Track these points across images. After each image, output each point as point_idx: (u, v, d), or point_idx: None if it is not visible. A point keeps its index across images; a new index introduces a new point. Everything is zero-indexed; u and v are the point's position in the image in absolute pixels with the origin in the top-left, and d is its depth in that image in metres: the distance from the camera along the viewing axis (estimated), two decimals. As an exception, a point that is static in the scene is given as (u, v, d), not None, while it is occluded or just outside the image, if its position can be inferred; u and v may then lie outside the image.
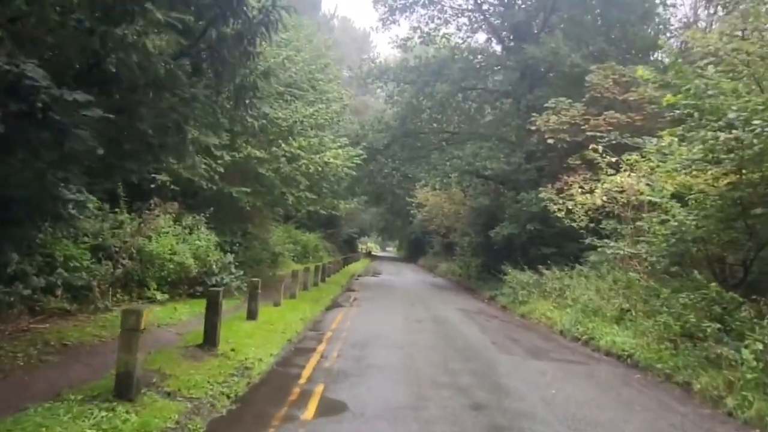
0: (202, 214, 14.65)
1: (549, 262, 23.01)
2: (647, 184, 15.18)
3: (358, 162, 19.43)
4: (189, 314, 11.51)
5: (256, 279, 11.70)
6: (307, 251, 34.31)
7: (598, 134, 18.46)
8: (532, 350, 11.53)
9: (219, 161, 14.65)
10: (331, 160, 16.64)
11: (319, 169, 16.37)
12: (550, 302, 17.94)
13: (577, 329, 13.76)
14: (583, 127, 20.97)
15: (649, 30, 25.16)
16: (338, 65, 24.87)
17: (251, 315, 11.33)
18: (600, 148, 16.90)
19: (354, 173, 19.08)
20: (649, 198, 13.87)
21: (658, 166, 14.97)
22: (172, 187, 14.25)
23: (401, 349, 10.52)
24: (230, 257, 15.02)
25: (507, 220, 24.42)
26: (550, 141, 21.44)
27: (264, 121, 15.56)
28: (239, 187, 15.82)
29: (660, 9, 25.81)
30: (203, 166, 14.23)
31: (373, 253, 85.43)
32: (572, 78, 24.67)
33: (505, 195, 25.27)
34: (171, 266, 12.32)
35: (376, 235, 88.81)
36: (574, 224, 17.75)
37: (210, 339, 8.59)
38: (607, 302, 14.41)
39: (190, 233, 14.34)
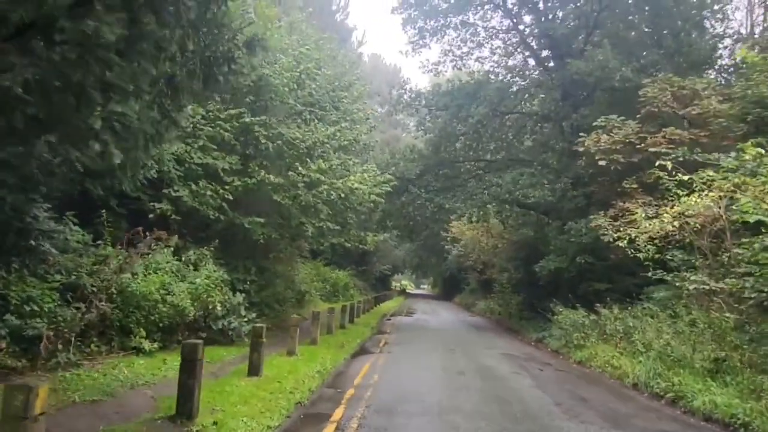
0: (206, 248, 12.56)
1: (602, 299, 20.34)
2: (732, 206, 12.58)
3: (388, 189, 17.24)
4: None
5: (260, 326, 9.43)
6: (336, 289, 32.08)
7: (662, 151, 15.90)
8: (609, 416, 8.86)
9: (227, 187, 12.65)
10: (357, 185, 14.48)
11: (342, 195, 14.21)
12: (613, 347, 15.16)
13: (658, 384, 11.02)
14: (638, 147, 18.51)
15: (703, 43, 22.68)
16: (369, 99, 22.93)
17: (253, 370, 9.02)
18: (669, 164, 14.32)
19: (383, 201, 16.86)
20: (743, 219, 11.21)
21: (744, 182, 12.39)
22: (173, 217, 12.25)
23: (440, 417, 8.02)
24: (239, 297, 12.86)
25: (552, 253, 21.74)
26: (602, 163, 18.94)
27: (279, 143, 13.61)
28: (253, 217, 13.77)
29: (713, 21, 23.37)
30: (208, 192, 12.22)
31: (407, 290, 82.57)
32: (622, 94, 22.26)
33: (549, 226, 22.64)
34: (163, 309, 10.18)
35: (410, 272, 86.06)
36: (640, 255, 15.07)
37: (184, 408, 6.33)
38: (692, 349, 11.63)
39: (195, 269, 12.27)
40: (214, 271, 12.51)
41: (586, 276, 21.58)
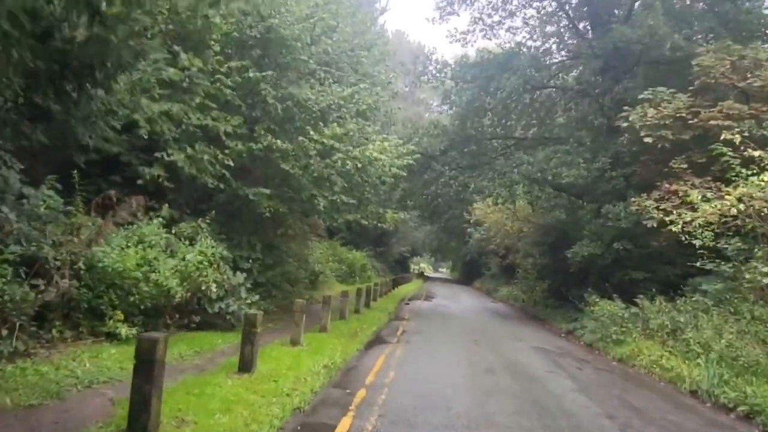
0: (201, 219, 10.99)
1: (638, 289, 18.47)
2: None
3: (411, 162, 15.43)
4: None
5: (254, 313, 7.79)
6: (353, 271, 30.55)
7: (725, 125, 13.90)
8: (678, 435, 7.13)
9: (227, 151, 11.03)
10: (376, 155, 12.72)
11: (359, 166, 12.48)
12: (659, 345, 13.35)
13: (725, 393, 9.23)
14: (691, 122, 16.48)
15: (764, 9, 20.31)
16: (394, 73, 21.02)
17: (244, 366, 7.43)
18: (737, 137, 12.34)
19: (404, 175, 15.08)
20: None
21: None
22: (166, 184, 10.68)
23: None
24: (240, 277, 11.28)
25: (586, 238, 19.80)
26: (648, 140, 16.99)
27: (289, 103, 11.90)
28: (258, 188, 12.14)
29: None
30: (206, 157, 10.59)
31: (425, 274, 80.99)
32: (667, 67, 20.11)
33: (583, 209, 20.67)
34: (145, 289, 8.63)
35: (428, 255, 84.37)
36: (695, 242, 13.17)
37: (138, 422, 4.75)
38: (767, 354, 9.79)
39: (190, 244, 10.72)
40: (212, 246, 10.94)
41: (621, 264, 19.75)
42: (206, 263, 9.94)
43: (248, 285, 12.29)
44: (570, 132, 21.21)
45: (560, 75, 25.11)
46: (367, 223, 14.51)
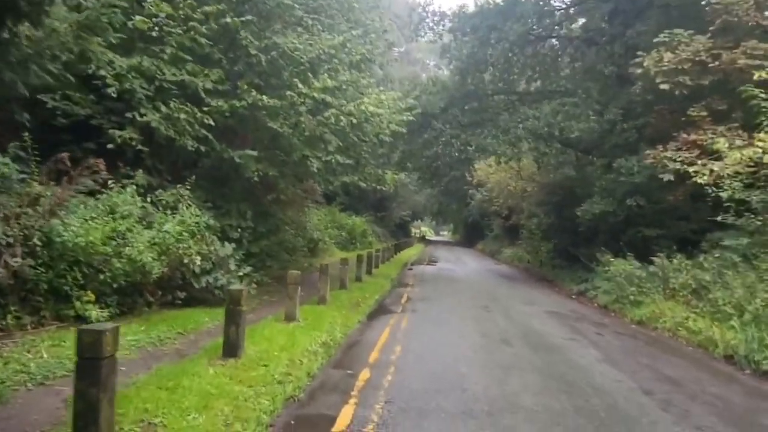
0: (181, 186, 9.92)
1: (651, 246, 17.55)
2: None
3: (410, 119, 14.24)
4: (134, 347, 6.79)
5: (239, 288, 6.78)
6: (353, 237, 29.60)
7: (755, 64, 12.69)
8: (725, 413, 6.19)
9: (206, 109, 9.87)
10: (372, 109, 11.52)
11: (354, 122, 11.31)
12: (682, 305, 12.43)
13: (766, 358, 8.29)
14: (711, 65, 15.23)
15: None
16: (390, 22, 19.33)
17: (229, 350, 6.42)
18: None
19: (404, 132, 13.89)
20: None
21: None
22: (140, 147, 9.56)
23: (493, 421, 5.42)
24: (229, 248, 10.26)
25: (597, 195, 18.73)
26: (664, 86, 15.76)
27: (274, 54, 10.65)
28: (245, 150, 11.00)
29: None
30: (182, 116, 9.43)
31: (426, 237, 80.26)
32: (684, 8, 18.67)
33: (593, 164, 19.53)
34: (118, 265, 7.60)
35: (429, 218, 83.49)
36: (724, 194, 12.10)
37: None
38: (812, 313, 8.84)
39: (172, 214, 9.66)
40: (196, 215, 9.89)
41: (633, 221, 18.76)
42: (188, 234, 8.88)
43: (239, 256, 11.29)
44: (577, 83, 19.90)
45: (564, 24, 23.58)
46: (365, 185, 13.43)
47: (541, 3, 21.49)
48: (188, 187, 9.97)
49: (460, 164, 29.49)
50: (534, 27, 22.00)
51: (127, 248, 7.75)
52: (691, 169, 12.86)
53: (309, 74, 10.90)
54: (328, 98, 10.99)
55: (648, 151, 16.13)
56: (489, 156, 23.02)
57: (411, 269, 24.95)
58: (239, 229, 11.54)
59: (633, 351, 9.58)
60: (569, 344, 9.60)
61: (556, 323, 11.91)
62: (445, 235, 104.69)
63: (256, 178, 10.97)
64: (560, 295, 18.45)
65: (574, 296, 18.26)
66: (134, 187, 9.00)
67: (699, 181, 12.47)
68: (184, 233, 8.74)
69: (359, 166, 13.41)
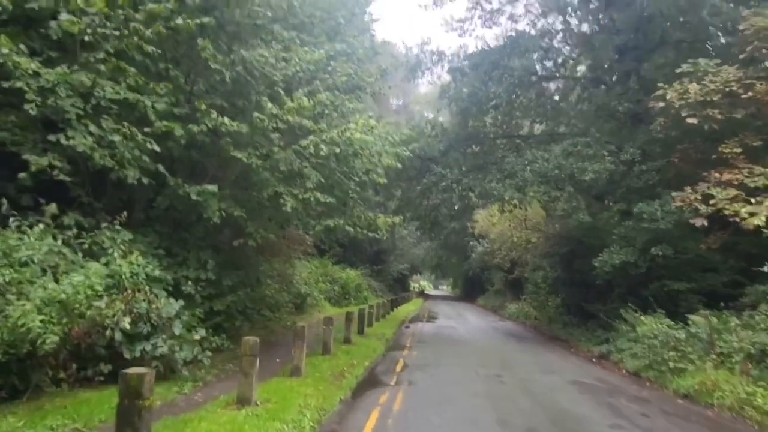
0: (106, 226, 7.72)
1: (678, 302, 15.35)
2: None
3: (407, 153, 12.24)
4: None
5: (139, 372, 4.39)
6: (347, 291, 27.11)
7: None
8: None
9: (148, 130, 7.80)
10: (359, 135, 9.44)
11: (338, 151, 9.22)
12: (738, 374, 10.04)
13: None
14: (744, 96, 13.44)
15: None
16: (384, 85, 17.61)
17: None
18: None
19: (399, 166, 11.78)
20: None
21: None
22: (63, 177, 7.42)
23: None
24: (174, 306, 7.94)
25: (615, 244, 16.51)
26: (692, 120, 13.93)
27: (241, 69, 8.68)
28: (203, 185, 8.86)
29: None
30: (116, 138, 7.36)
31: (425, 292, 77.40)
32: (696, 42, 17.16)
33: (610, 209, 17.41)
34: (-9, 331, 5.30)
35: (428, 272, 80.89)
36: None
37: None
38: None
39: (96, 261, 7.42)
40: (135, 264, 7.65)
41: (656, 273, 16.54)
42: (113, 289, 6.61)
43: (197, 314, 8.98)
44: (588, 122, 18.06)
45: (569, 66, 22.05)
46: (353, 231, 11.19)
47: (546, 41, 19.97)
48: (117, 228, 7.75)
49: (460, 214, 27.48)
50: (537, 66, 20.46)
51: (10, 307, 5.47)
52: (743, 210, 10.70)
53: (282, 93, 8.90)
54: (305, 122, 8.96)
55: (675, 194, 14.06)
56: (493, 202, 20.89)
57: (408, 327, 22.39)
58: (196, 283, 9.25)
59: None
60: (617, 435, 7.16)
61: (589, 400, 9.43)
62: (445, 289, 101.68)
63: (216, 220, 8.78)
64: (579, 358, 15.90)
65: (594, 359, 15.74)
66: (41, 226, 6.78)
67: (754, 223, 10.30)
68: (97, 288, 6.43)
69: (346, 209, 11.26)
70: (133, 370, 4.25)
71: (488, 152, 20.40)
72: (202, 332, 8.79)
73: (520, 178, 17.42)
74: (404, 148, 12.02)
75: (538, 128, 22.56)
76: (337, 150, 9.16)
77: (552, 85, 22.35)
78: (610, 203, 17.90)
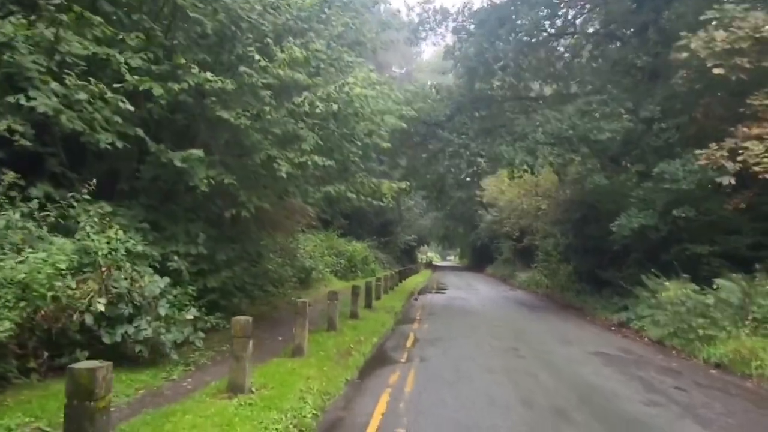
0: (71, 195, 6.88)
1: (700, 266, 14.49)
2: None
3: (412, 113, 11.29)
4: None
5: (90, 366, 3.60)
6: (353, 264, 26.37)
7: None
8: None
9: (118, 86, 6.89)
10: (359, 90, 8.46)
11: (336, 109, 8.29)
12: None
13: None
14: (777, 43, 12.29)
15: None
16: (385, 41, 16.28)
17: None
18: None
19: (404, 127, 10.77)
20: None
21: None
22: (21, 142, 6.56)
23: None
24: (160, 283, 7.16)
25: (633, 207, 15.53)
26: (718, 71, 12.80)
27: (224, 18, 7.71)
28: (188, 151, 7.98)
29: None
30: (82, 95, 6.46)
31: (433, 263, 76.84)
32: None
33: (628, 171, 16.43)
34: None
35: (436, 243, 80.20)
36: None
37: None
38: None
39: (70, 234, 6.61)
40: (114, 239, 6.84)
41: (677, 236, 15.62)
42: (67, 265, 5.79)
43: (189, 292, 8.20)
44: (604, 79, 16.91)
45: (578, 21, 20.74)
46: (356, 198, 10.32)
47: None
48: (85, 195, 6.89)
49: (468, 183, 26.50)
50: (547, 21, 19.23)
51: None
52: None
53: (271, 44, 7.93)
54: (298, 76, 8.01)
55: (699, 151, 13.05)
56: (503, 168, 19.86)
57: (417, 299, 21.68)
58: (186, 258, 8.44)
59: (752, 422, 6.32)
60: (655, 415, 6.34)
61: (616, 373, 8.64)
62: (452, 259, 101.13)
63: (204, 189, 7.91)
64: (596, 327, 15.13)
65: (613, 328, 14.98)
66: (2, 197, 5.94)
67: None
68: (60, 266, 5.61)
69: (347, 174, 10.36)
70: (82, 365, 3.46)
71: (497, 115, 19.33)
72: (195, 311, 8.02)
73: (531, 141, 16.41)
74: (409, 108, 11.03)
75: (548, 90, 21.40)
76: (335, 107, 8.23)
77: (562, 43, 21.08)
78: (628, 164, 16.87)
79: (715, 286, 12.27)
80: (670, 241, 15.73)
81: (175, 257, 8.20)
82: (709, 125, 15.20)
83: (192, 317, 8.05)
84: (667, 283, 13.13)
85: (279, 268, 16.29)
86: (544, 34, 20.04)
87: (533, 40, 20.15)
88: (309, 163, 8.33)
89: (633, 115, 15.65)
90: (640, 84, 16.77)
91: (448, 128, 19.01)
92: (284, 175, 8.00)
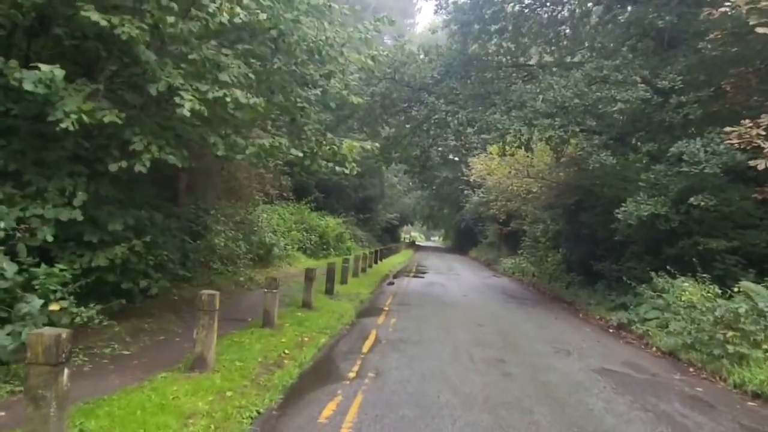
0: None
1: (712, 264, 12.37)
2: None
3: (385, 57, 8.73)
4: None
5: None
6: (325, 242, 23.88)
7: None
8: None
9: None
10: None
11: (266, 23, 5.70)
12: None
13: None
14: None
15: None
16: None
17: None
18: None
19: (371, 64, 8.12)
20: None
21: None
22: None
23: None
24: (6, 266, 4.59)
25: (642, 192, 13.15)
26: (763, 30, 10.46)
27: None
28: (54, 69, 5.36)
29: None
30: None
31: (416, 243, 74.63)
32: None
33: (638, 151, 14.01)
34: None
35: (420, 223, 77.96)
36: None
37: None
38: None
39: None
40: None
41: (688, 228, 13.46)
42: None
43: (58, 274, 5.69)
44: (618, 41, 14.34)
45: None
46: (306, 159, 7.80)
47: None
48: None
49: (454, 164, 24.02)
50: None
51: None
52: None
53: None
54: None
55: (730, 129, 10.66)
56: (494, 141, 17.30)
57: (392, 283, 19.31)
58: (52, 225, 5.88)
59: None
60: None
61: (635, 409, 6.27)
62: (437, 240, 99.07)
63: (70, 127, 5.34)
64: (593, 328, 12.89)
65: (612, 330, 12.74)
66: None
67: None
68: None
69: (294, 127, 7.81)
70: None
71: (491, 81, 16.75)
72: (60, 302, 5.55)
73: (529, 110, 13.89)
74: (382, 50, 8.44)
75: (549, 59, 18.82)
76: (265, 21, 5.64)
77: (567, 7, 18.44)
78: (638, 143, 14.45)
79: (737, 289, 10.06)
80: (677, 234, 13.52)
81: (42, 226, 5.63)
82: (739, 100, 12.84)
83: (58, 308, 5.62)
84: (686, 284, 10.81)
85: (229, 243, 13.79)
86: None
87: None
88: (228, 99, 5.76)
89: (649, 85, 13.18)
90: (658, 49, 14.27)
91: (436, 93, 16.41)
92: (186, 113, 5.43)
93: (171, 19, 5.64)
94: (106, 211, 7.20)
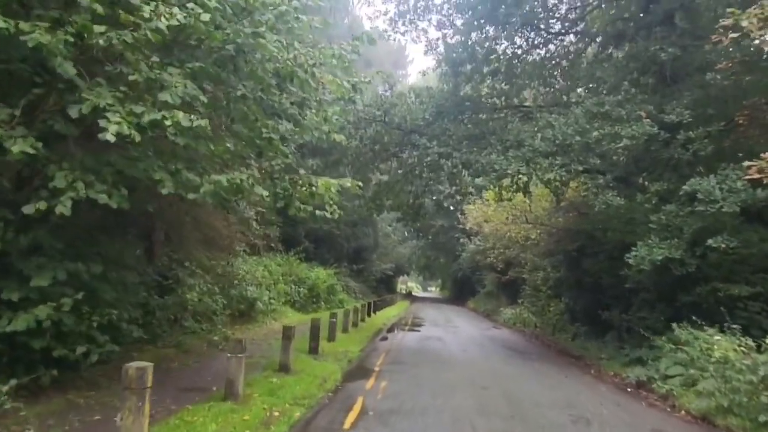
0: None
1: (732, 313, 11.11)
2: None
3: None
4: None
5: None
6: (315, 294, 22.46)
7: None
8: None
9: None
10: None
11: (214, 33, 4.69)
12: None
13: None
14: None
15: None
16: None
17: None
18: None
19: (358, 92, 7.03)
20: None
21: None
22: None
23: None
24: None
25: (654, 235, 12.01)
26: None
27: None
28: None
29: None
30: None
31: (413, 293, 72.76)
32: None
33: (646, 191, 12.95)
34: None
35: (416, 273, 76.33)
36: None
37: None
38: None
39: None
40: None
41: (707, 272, 12.34)
42: None
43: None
44: (619, 76, 13.56)
45: (581, 21, 17.60)
46: (279, 199, 6.67)
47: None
48: None
49: (449, 213, 22.99)
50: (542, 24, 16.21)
51: None
52: None
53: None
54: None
55: (749, 163, 9.62)
56: (491, 183, 16.23)
57: (386, 338, 17.84)
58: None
59: None
60: None
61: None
62: (434, 290, 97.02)
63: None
64: (609, 387, 11.45)
65: (630, 389, 11.30)
66: None
67: None
68: None
69: (261, 160, 6.70)
70: None
71: (485, 121, 15.92)
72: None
73: (528, 149, 12.93)
74: (364, 76, 7.47)
75: (545, 99, 18.12)
76: (217, 34, 4.61)
77: (561, 45, 17.90)
78: (645, 183, 13.44)
79: (770, 341, 8.80)
80: (694, 279, 12.35)
81: None
82: (753, 134, 11.95)
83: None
84: (717, 337, 9.50)
85: (205, 297, 12.49)
86: (542, 35, 16.89)
87: (528, 40, 17.02)
88: (168, 122, 4.67)
89: (653, 121, 12.29)
90: (660, 85, 13.48)
91: (428, 134, 15.52)
92: (110, 138, 4.33)
93: (101, 28, 4.62)
94: (35, 263, 5.98)
